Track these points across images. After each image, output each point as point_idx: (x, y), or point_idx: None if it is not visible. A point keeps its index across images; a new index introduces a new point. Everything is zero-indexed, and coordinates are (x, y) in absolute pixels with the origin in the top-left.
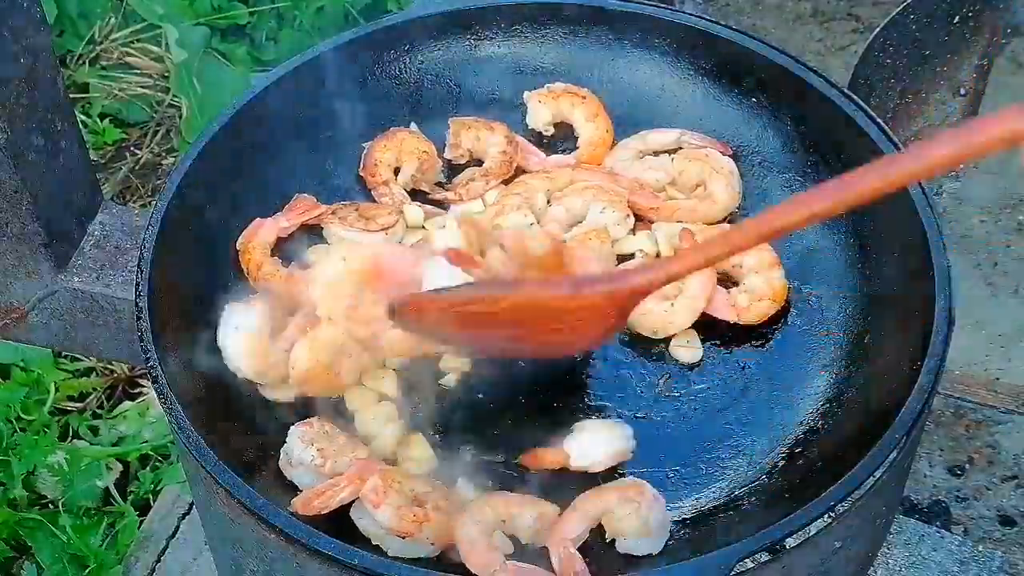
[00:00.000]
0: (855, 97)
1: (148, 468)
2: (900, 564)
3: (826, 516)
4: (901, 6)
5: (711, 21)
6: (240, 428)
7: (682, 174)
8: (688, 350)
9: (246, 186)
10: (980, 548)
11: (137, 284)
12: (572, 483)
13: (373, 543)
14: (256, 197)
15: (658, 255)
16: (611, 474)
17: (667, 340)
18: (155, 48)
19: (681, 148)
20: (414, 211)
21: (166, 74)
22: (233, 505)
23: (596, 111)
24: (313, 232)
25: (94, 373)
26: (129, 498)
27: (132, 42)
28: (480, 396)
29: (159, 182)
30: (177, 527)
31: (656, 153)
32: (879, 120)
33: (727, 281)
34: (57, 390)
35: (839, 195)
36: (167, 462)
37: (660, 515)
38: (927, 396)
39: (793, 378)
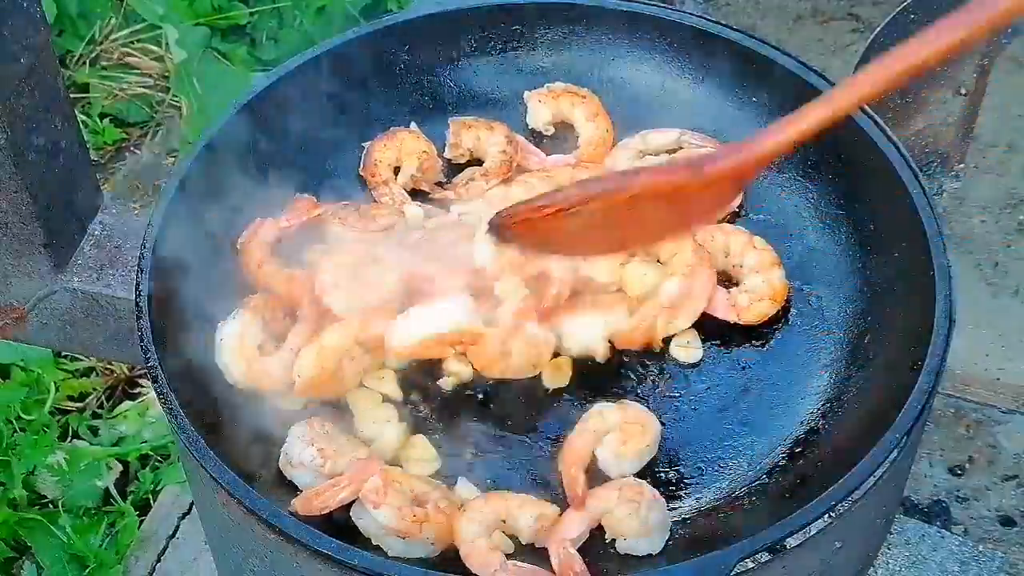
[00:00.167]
0: None
1: (148, 468)
2: (900, 564)
3: (826, 516)
4: (901, 6)
5: (711, 21)
6: (240, 428)
7: None
8: (688, 350)
9: (246, 186)
10: (980, 548)
11: (137, 284)
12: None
13: (373, 543)
14: (256, 197)
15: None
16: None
17: (667, 340)
18: (155, 48)
19: (681, 148)
20: (414, 211)
21: (166, 74)
22: (233, 505)
23: (596, 111)
24: (313, 232)
25: (94, 373)
26: (129, 498)
27: (132, 42)
28: (480, 397)
29: (159, 182)
30: (177, 527)
31: (656, 153)
32: (879, 120)
33: (727, 281)
34: (57, 390)
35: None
36: (167, 462)
37: (660, 515)
38: (927, 396)
39: (793, 378)
